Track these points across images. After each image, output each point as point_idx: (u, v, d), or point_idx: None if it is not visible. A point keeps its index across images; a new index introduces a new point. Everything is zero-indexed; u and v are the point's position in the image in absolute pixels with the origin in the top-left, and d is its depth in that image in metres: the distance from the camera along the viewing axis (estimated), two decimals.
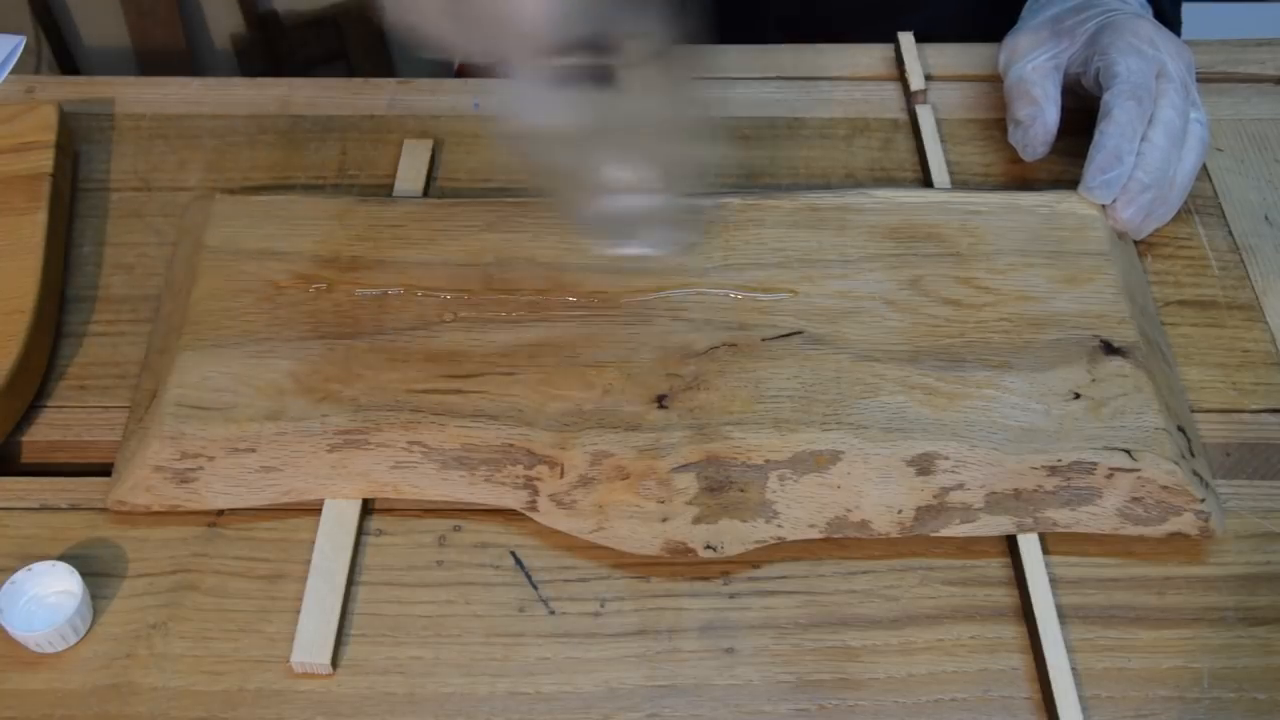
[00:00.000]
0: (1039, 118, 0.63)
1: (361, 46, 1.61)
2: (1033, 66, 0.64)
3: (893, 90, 0.71)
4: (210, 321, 0.56)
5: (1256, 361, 0.59)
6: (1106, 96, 0.61)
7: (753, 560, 0.52)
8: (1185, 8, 0.79)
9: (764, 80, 0.72)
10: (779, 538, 0.52)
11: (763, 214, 0.61)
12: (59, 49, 1.56)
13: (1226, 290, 0.62)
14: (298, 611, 0.50)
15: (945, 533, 0.52)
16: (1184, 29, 0.79)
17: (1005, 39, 0.67)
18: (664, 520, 0.51)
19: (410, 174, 0.65)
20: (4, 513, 0.53)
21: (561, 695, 0.49)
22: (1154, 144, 0.60)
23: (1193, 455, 0.54)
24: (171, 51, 1.56)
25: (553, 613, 0.51)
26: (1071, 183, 0.66)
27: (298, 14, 1.57)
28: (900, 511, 0.52)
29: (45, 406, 0.57)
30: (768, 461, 0.52)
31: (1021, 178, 0.66)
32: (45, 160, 0.62)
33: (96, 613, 0.50)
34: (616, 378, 0.54)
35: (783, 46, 0.73)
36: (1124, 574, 0.52)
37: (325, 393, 0.53)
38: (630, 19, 0.47)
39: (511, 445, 0.52)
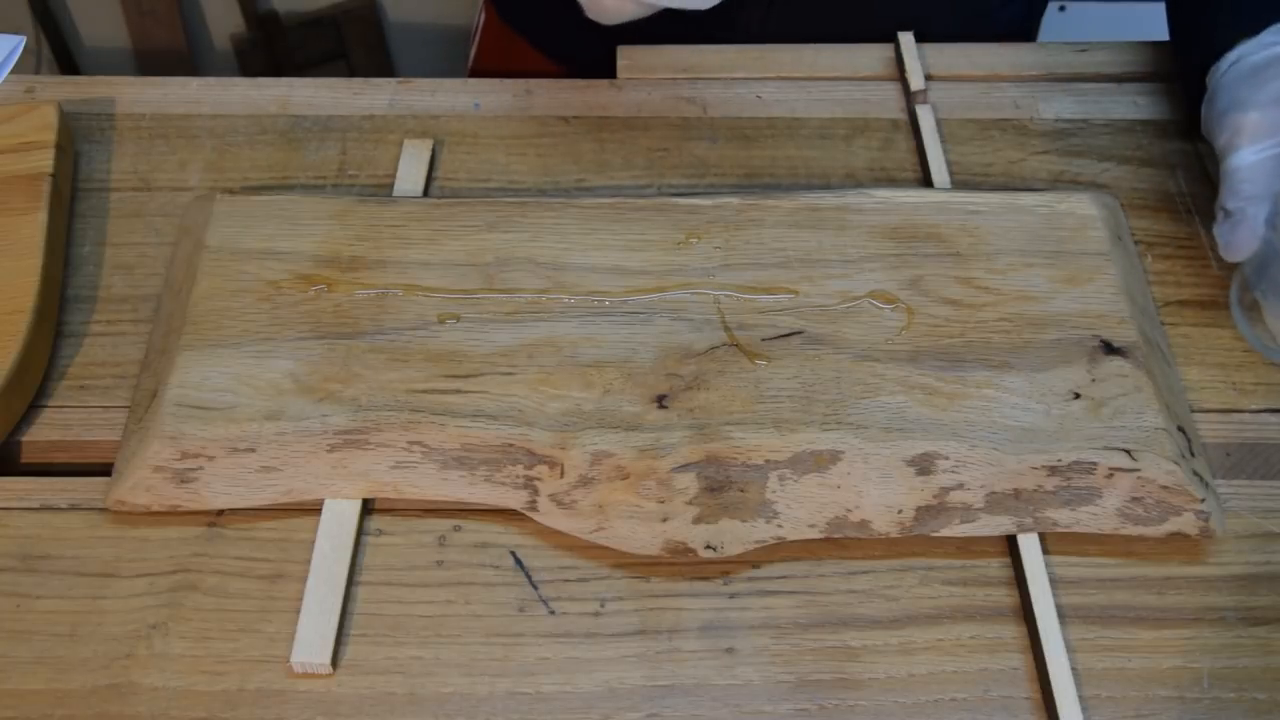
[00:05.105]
0: (1246, 215, 0.57)
1: (361, 46, 1.61)
2: (1256, 159, 0.57)
3: (893, 90, 0.71)
4: (210, 321, 0.56)
5: (1256, 361, 0.59)
6: None
7: (753, 560, 0.52)
8: None
9: (764, 80, 0.72)
10: (779, 538, 0.52)
11: (763, 214, 0.61)
12: (59, 49, 1.56)
13: (1226, 290, 0.62)
14: (298, 611, 0.50)
15: (945, 533, 0.52)
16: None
17: (1226, 112, 0.59)
18: (664, 520, 0.51)
19: (410, 174, 0.65)
20: (4, 513, 0.53)
21: (561, 695, 0.49)
22: None
23: (1193, 455, 0.54)
24: (171, 51, 1.57)
25: (553, 613, 0.51)
26: (1071, 182, 0.66)
27: (298, 14, 1.58)
28: (900, 511, 0.52)
29: (45, 406, 0.57)
30: (768, 461, 0.52)
31: (1021, 177, 0.66)
32: (45, 160, 0.62)
33: (97, 612, 0.50)
34: (616, 378, 0.54)
35: (783, 46, 0.73)
36: (1124, 574, 0.52)
37: (325, 393, 0.53)
38: None
39: (511, 445, 0.52)
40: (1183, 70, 0.68)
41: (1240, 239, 0.57)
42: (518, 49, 0.87)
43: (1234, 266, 0.62)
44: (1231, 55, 0.61)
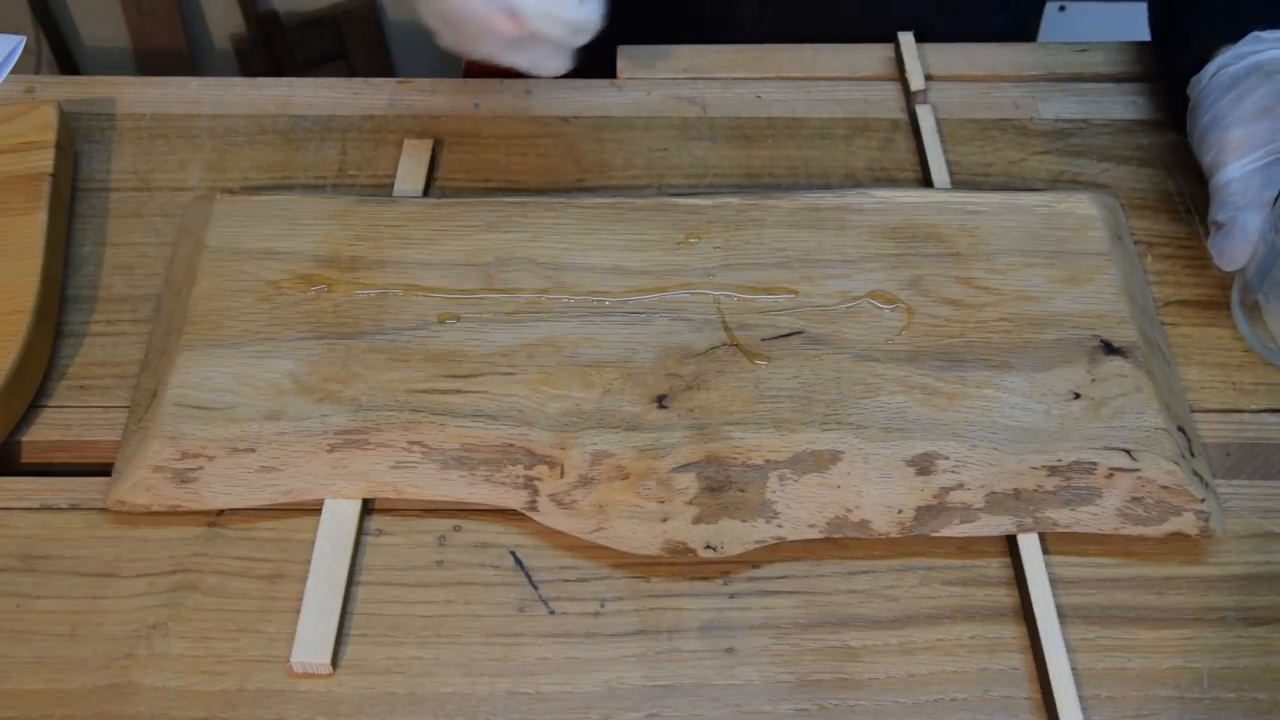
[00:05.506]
0: (1237, 225, 0.57)
1: (361, 46, 1.61)
2: (1243, 172, 0.58)
3: (893, 90, 0.71)
4: (210, 321, 0.56)
5: (1256, 361, 0.59)
6: None
7: (753, 560, 0.52)
8: None
9: (764, 80, 0.72)
10: (779, 538, 0.52)
11: (763, 214, 0.61)
12: (59, 49, 1.56)
13: (1226, 290, 0.62)
14: (298, 611, 0.50)
15: (945, 533, 0.52)
16: None
17: (1210, 129, 0.60)
18: (664, 520, 0.51)
19: (410, 174, 0.65)
20: (4, 513, 0.53)
21: (561, 695, 0.49)
22: None
23: (1193, 455, 0.54)
24: (171, 51, 1.56)
25: (553, 613, 0.51)
26: (1071, 182, 0.66)
27: (298, 14, 1.57)
28: (900, 511, 0.52)
29: (45, 406, 0.57)
30: (768, 461, 0.52)
31: (1021, 177, 0.66)
32: (45, 160, 0.62)
33: (97, 612, 0.50)
34: (616, 378, 0.54)
35: (783, 46, 0.73)
36: (1124, 574, 0.52)
37: (325, 393, 0.53)
38: None
39: (511, 445, 0.52)
40: (1164, 75, 0.69)
41: (1233, 248, 0.58)
42: None
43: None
44: (1211, 66, 0.61)
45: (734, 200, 0.61)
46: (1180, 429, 0.54)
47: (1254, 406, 0.57)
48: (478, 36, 0.58)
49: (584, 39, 0.59)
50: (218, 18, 1.58)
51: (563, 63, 0.60)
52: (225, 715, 0.48)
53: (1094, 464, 0.52)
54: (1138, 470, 0.52)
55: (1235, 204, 0.58)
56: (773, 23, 0.78)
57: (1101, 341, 0.56)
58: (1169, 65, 0.66)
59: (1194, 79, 0.62)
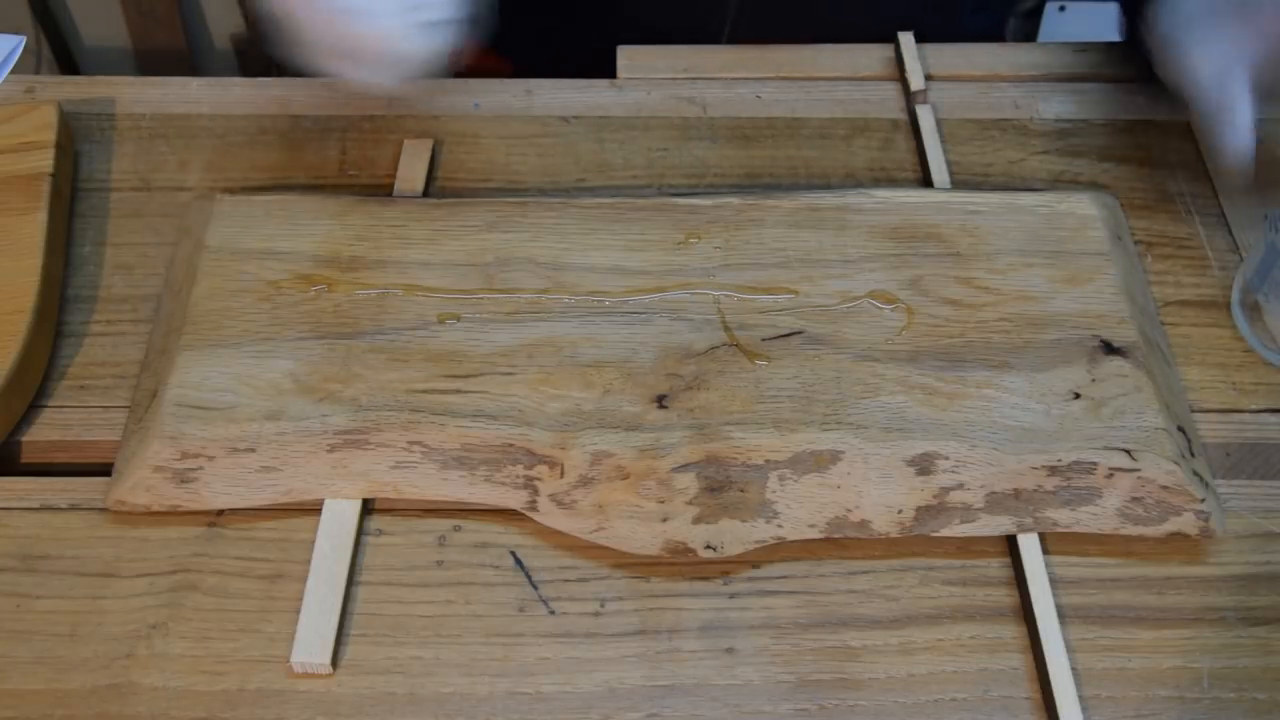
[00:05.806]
0: (1227, 120, 0.56)
1: None
2: (1214, 69, 0.56)
3: (893, 90, 0.71)
4: (210, 321, 0.56)
5: (1256, 361, 0.59)
6: None
7: (753, 560, 0.52)
8: None
9: (764, 80, 0.72)
10: (779, 538, 0.52)
11: (763, 214, 0.61)
12: (59, 49, 1.56)
13: (1226, 290, 0.62)
14: (298, 611, 0.50)
15: (945, 533, 0.52)
16: None
17: (1169, 41, 0.59)
18: (664, 520, 0.51)
19: (410, 174, 0.65)
20: (4, 513, 0.53)
21: (561, 695, 0.49)
22: None
23: (1193, 455, 0.54)
24: (171, 51, 1.56)
25: (553, 613, 0.51)
26: (1071, 182, 0.66)
27: None
28: (900, 511, 0.52)
29: (45, 406, 0.57)
30: (768, 461, 0.52)
31: (1021, 177, 0.66)
32: (45, 160, 0.62)
33: (97, 612, 0.50)
34: (616, 378, 0.54)
35: (783, 46, 0.73)
36: (1124, 574, 0.52)
37: (325, 393, 0.53)
38: None
39: (511, 445, 0.52)
40: (1125, 13, 0.69)
41: (1235, 139, 0.56)
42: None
43: (1234, 267, 0.62)
44: None
45: (734, 200, 0.61)
46: (1180, 429, 0.54)
47: (1254, 406, 0.57)
48: (314, 47, 0.57)
49: (410, 73, 0.58)
50: (218, 18, 1.58)
51: (396, 79, 0.59)
52: (225, 715, 0.48)
53: (1094, 464, 0.52)
54: (1138, 470, 0.52)
55: (1217, 101, 0.57)
56: (750, 29, 0.78)
57: (1101, 341, 0.56)
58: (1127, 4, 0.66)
59: (1147, 4, 0.62)
